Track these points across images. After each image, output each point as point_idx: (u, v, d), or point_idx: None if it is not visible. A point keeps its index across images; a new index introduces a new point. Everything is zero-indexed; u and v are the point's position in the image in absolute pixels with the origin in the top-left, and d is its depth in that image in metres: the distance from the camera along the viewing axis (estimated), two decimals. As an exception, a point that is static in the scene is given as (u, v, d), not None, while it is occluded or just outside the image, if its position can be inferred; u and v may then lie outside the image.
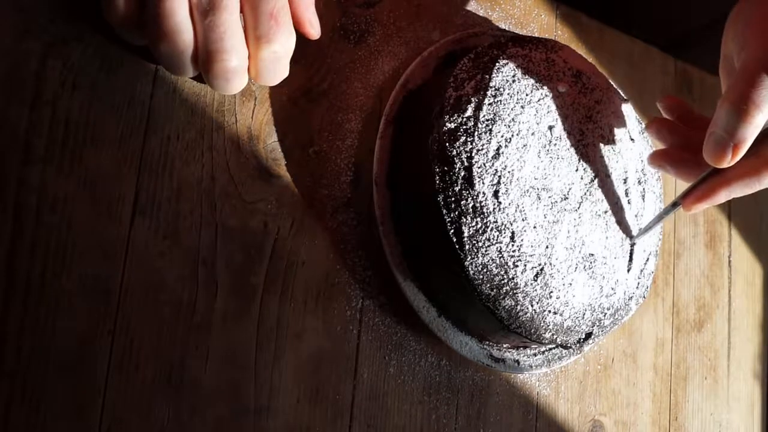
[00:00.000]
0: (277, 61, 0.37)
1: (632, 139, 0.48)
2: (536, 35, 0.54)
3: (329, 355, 0.42)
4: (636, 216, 0.47)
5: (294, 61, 0.38)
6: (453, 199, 0.40)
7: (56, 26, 0.36)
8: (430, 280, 0.44)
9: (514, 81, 0.43)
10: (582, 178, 0.44)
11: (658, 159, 0.46)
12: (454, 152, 0.40)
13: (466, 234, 0.39)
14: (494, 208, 0.40)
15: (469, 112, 0.41)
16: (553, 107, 0.44)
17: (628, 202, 0.46)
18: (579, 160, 0.44)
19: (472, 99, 0.42)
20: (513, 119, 0.42)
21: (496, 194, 0.40)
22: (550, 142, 0.43)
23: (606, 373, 0.54)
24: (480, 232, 0.40)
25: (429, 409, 0.45)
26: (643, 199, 0.47)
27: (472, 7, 0.51)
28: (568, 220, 0.43)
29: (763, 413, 0.66)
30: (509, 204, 0.41)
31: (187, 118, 0.39)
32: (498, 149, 0.41)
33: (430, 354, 0.46)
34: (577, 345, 0.46)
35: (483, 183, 0.40)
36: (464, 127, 0.41)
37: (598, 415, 0.54)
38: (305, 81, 0.43)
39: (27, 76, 0.35)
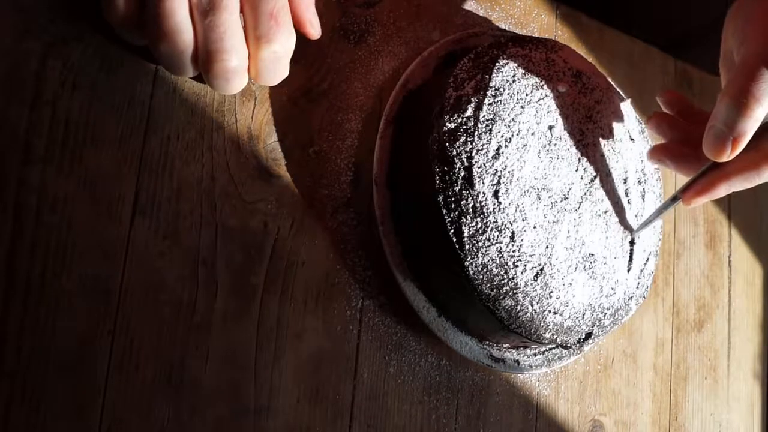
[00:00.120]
0: (277, 61, 0.37)
1: (632, 139, 0.48)
2: (536, 35, 0.54)
3: (329, 355, 0.42)
4: (636, 216, 0.47)
5: (294, 61, 0.38)
6: (453, 199, 0.40)
7: (56, 26, 0.36)
8: (430, 280, 0.44)
9: (514, 81, 0.43)
10: (582, 178, 0.44)
11: (657, 154, 0.46)
12: (454, 152, 0.40)
13: (466, 234, 0.39)
14: (494, 208, 0.40)
15: (469, 112, 0.41)
16: (553, 107, 0.44)
17: (628, 202, 0.46)
18: (579, 160, 0.44)
19: (472, 99, 0.42)
20: (513, 119, 0.42)
21: (496, 194, 0.40)
22: (550, 142, 0.43)
23: (606, 373, 0.54)
24: (480, 232, 0.40)
25: (429, 409, 0.45)
26: (643, 199, 0.47)
27: (472, 7, 0.51)
28: (568, 220, 0.43)
29: (763, 413, 0.66)
30: (509, 204, 0.41)
31: (187, 118, 0.39)
32: (498, 149, 0.41)
33: (430, 354, 0.46)
34: (577, 345, 0.46)
35: (483, 183, 0.40)
36: (464, 127, 0.41)
37: (598, 415, 0.54)
38: (305, 81, 0.43)
39: (27, 76, 0.35)
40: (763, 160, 0.40)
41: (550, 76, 0.45)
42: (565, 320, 0.43)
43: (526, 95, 0.43)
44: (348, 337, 0.43)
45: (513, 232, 0.40)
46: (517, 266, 0.41)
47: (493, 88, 0.42)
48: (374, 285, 0.44)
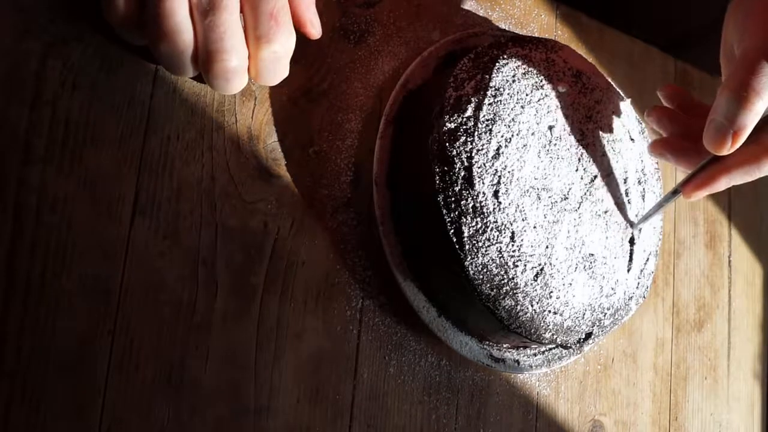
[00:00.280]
0: (277, 61, 0.37)
1: (632, 139, 0.48)
2: (536, 35, 0.54)
3: (329, 355, 0.42)
4: (636, 216, 0.47)
5: (294, 61, 0.38)
6: (453, 199, 0.40)
7: (56, 26, 0.36)
8: (430, 280, 0.44)
9: (514, 81, 0.43)
10: (582, 178, 0.44)
11: (658, 147, 0.46)
12: (454, 152, 0.40)
13: (466, 234, 0.39)
14: (494, 208, 0.40)
15: (469, 112, 0.41)
16: (553, 107, 0.44)
17: (628, 202, 0.46)
18: (579, 160, 0.44)
19: (472, 99, 0.42)
20: (513, 119, 0.42)
21: (496, 194, 0.40)
22: (550, 142, 0.43)
23: (606, 373, 0.54)
24: (480, 232, 0.40)
25: (429, 409, 0.45)
26: (643, 198, 0.47)
27: (472, 7, 0.51)
28: (568, 220, 0.43)
29: (763, 413, 0.66)
30: (509, 204, 0.41)
31: (187, 118, 0.39)
32: (498, 149, 0.41)
33: (430, 354, 0.46)
34: (577, 345, 0.46)
35: (483, 183, 0.40)
36: (464, 127, 0.41)
37: (598, 415, 0.54)
38: (305, 81, 0.43)
39: (27, 76, 0.35)
40: (764, 154, 0.40)
41: (550, 76, 0.45)
42: (565, 320, 0.43)
43: (526, 95, 0.43)
44: (348, 337, 0.43)
45: (513, 232, 0.40)
46: (517, 266, 0.41)
47: (493, 88, 0.42)
48: (374, 285, 0.44)
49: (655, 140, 0.46)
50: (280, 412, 0.40)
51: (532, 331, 0.42)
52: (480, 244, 0.40)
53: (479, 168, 0.40)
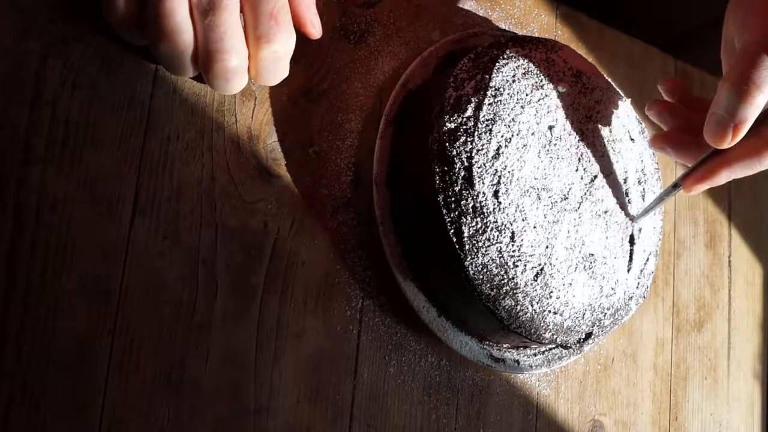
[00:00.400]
0: (277, 61, 0.37)
1: (632, 139, 0.48)
2: (536, 35, 0.54)
3: (329, 355, 0.42)
4: (636, 213, 0.47)
5: (294, 61, 0.38)
6: (453, 199, 0.40)
7: (56, 26, 0.36)
8: (430, 280, 0.44)
9: (514, 81, 0.43)
10: (582, 178, 0.44)
11: (659, 142, 0.46)
12: (454, 152, 0.40)
13: (466, 234, 0.39)
14: (494, 208, 0.40)
15: (469, 112, 0.41)
16: (553, 107, 0.44)
17: (629, 202, 0.46)
18: (579, 160, 0.44)
19: (472, 99, 0.42)
20: (513, 119, 0.42)
21: (496, 194, 0.40)
22: (550, 142, 0.43)
23: (606, 373, 0.54)
24: (480, 232, 0.40)
25: (429, 409, 0.45)
26: (643, 199, 0.47)
27: (472, 7, 0.51)
28: (568, 220, 0.43)
29: (763, 413, 0.66)
30: (509, 204, 0.41)
31: (187, 118, 0.39)
32: (498, 149, 0.41)
33: (430, 354, 0.46)
34: (577, 345, 0.46)
35: (483, 183, 0.40)
36: (464, 127, 0.41)
37: (598, 415, 0.54)
38: (305, 81, 0.43)
39: (27, 76, 0.35)
40: (764, 147, 0.40)
41: (550, 76, 0.45)
42: (565, 320, 0.43)
43: (526, 95, 0.43)
44: (348, 337, 0.43)
45: (513, 232, 0.40)
46: (517, 266, 0.41)
47: (493, 88, 0.42)
48: (374, 285, 0.44)
49: (656, 134, 0.46)
50: (280, 412, 0.40)
51: (532, 331, 0.42)
52: (480, 244, 0.40)
53: (479, 168, 0.40)
